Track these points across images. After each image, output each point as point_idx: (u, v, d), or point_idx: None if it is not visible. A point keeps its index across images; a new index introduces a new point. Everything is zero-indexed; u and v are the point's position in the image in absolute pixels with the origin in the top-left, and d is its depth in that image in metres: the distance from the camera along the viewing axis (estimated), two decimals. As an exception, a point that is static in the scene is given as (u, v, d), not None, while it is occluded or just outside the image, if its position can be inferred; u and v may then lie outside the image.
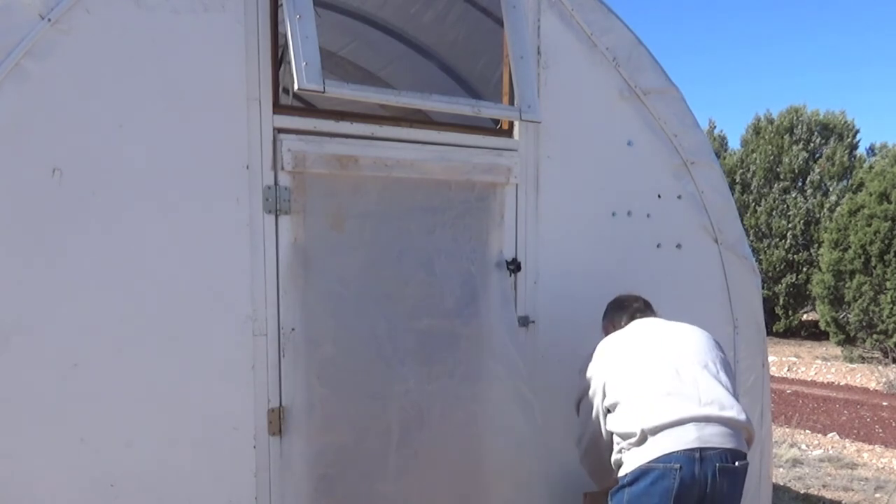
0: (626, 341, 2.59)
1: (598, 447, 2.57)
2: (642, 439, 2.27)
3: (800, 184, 15.86)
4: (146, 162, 2.27)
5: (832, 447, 7.09)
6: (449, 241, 2.85)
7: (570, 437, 2.74)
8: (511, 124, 3.00)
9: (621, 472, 2.34)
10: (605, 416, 2.49)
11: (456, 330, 2.87)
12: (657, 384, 2.35)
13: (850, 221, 12.46)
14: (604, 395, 2.48)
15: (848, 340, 12.66)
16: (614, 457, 2.43)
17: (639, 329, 2.64)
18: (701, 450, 2.21)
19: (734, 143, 18.23)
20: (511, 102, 2.95)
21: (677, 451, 2.21)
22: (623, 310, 2.77)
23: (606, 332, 2.75)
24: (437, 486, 2.83)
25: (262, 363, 2.47)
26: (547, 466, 3.00)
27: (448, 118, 2.91)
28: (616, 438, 2.41)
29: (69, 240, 2.16)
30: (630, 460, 2.31)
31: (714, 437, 2.24)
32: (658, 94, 3.27)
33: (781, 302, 15.17)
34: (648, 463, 2.23)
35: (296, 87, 2.36)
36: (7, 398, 2.09)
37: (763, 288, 5.47)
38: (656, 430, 2.25)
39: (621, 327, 2.71)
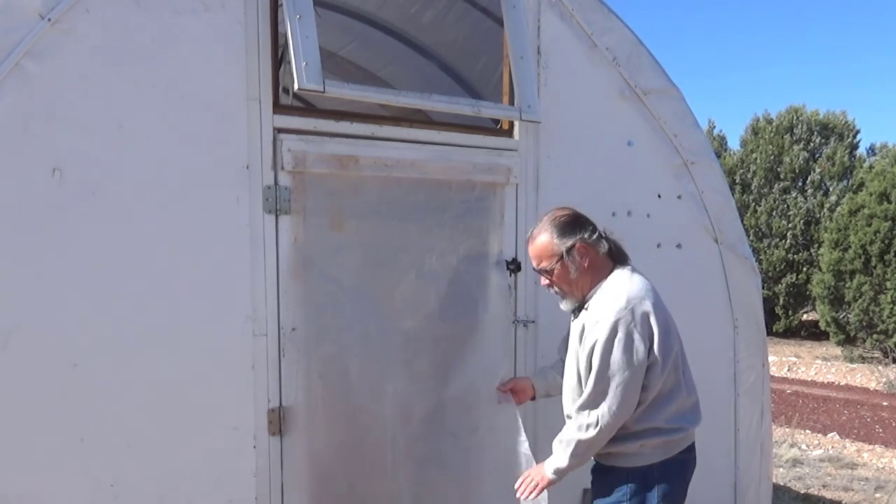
0: (660, 309, 2.29)
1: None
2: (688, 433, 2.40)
3: (800, 184, 15.86)
4: (146, 162, 2.26)
5: (832, 447, 7.09)
6: (448, 242, 2.85)
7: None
8: (511, 124, 3.00)
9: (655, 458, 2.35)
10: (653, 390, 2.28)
11: (455, 330, 2.87)
12: (688, 383, 2.43)
13: (851, 221, 12.46)
14: (664, 369, 2.26)
15: (848, 340, 12.66)
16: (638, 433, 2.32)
17: (657, 294, 2.34)
18: None
19: (733, 142, 18.22)
20: (511, 102, 2.95)
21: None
22: (602, 240, 2.40)
23: (586, 255, 2.34)
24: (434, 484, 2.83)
25: (262, 363, 2.47)
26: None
27: (448, 118, 2.91)
28: (651, 418, 2.31)
29: (69, 240, 2.16)
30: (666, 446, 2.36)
31: None
32: (658, 93, 3.27)
33: (781, 302, 15.17)
34: (682, 453, 2.38)
35: (296, 87, 2.36)
36: (7, 398, 2.09)
37: (763, 288, 5.47)
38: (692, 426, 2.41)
39: (607, 268, 2.37)
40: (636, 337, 2.21)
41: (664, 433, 2.31)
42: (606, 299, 2.29)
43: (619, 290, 2.29)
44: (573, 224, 2.36)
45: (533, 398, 2.78)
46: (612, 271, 2.37)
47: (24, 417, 2.12)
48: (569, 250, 2.33)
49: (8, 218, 2.07)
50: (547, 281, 2.42)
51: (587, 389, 2.26)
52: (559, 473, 2.37)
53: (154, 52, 2.26)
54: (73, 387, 2.18)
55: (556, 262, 2.35)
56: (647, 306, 2.25)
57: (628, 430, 2.30)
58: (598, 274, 2.36)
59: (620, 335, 2.20)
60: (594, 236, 2.36)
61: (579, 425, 2.28)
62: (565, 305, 2.44)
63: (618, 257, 2.41)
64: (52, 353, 2.15)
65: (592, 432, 2.25)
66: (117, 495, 2.26)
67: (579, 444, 2.28)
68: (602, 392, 2.23)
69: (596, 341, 2.23)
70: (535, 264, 2.42)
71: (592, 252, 2.35)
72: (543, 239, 2.37)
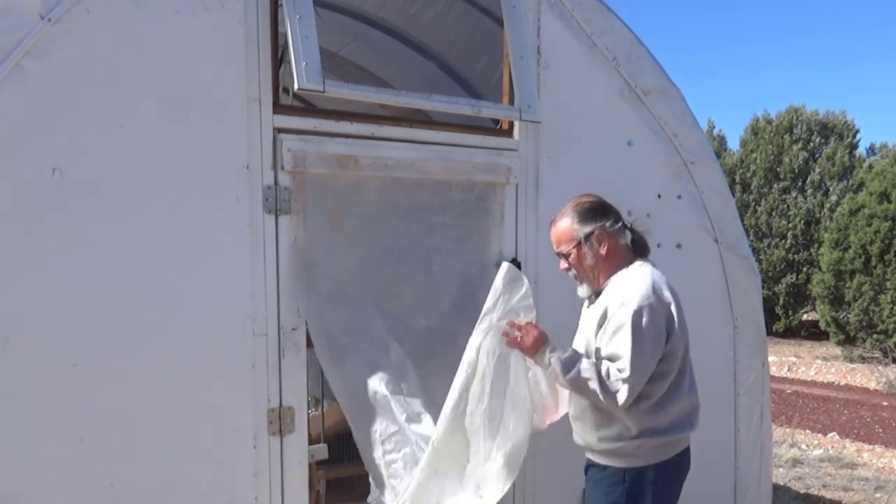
0: (677, 307, 2.29)
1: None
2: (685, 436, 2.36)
3: (800, 183, 15.87)
4: (146, 162, 2.27)
5: (832, 447, 7.09)
6: (448, 241, 2.85)
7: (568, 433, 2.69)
8: (511, 124, 3.00)
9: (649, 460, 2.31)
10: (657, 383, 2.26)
11: (455, 329, 2.86)
12: (692, 385, 2.39)
13: (851, 221, 12.46)
14: (674, 363, 2.26)
15: (848, 340, 12.66)
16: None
17: (675, 292, 2.32)
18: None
19: (733, 142, 18.22)
20: (511, 102, 2.95)
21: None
22: (626, 231, 2.40)
23: (606, 244, 2.34)
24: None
25: (262, 363, 2.47)
26: (547, 462, 3.01)
27: (448, 118, 2.91)
28: (654, 417, 2.27)
29: (69, 240, 2.16)
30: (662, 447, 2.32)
31: None
32: (658, 93, 3.27)
33: (781, 302, 15.17)
34: (678, 456, 2.34)
35: (296, 87, 2.36)
36: (7, 398, 2.09)
37: (763, 288, 5.47)
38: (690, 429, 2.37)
39: (627, 259, 2.36)
40: (660, 325, 2.21)
41: (664, 433, 2.29)
42: (630, 285, 2.27)
43: (643, 278, 2.29)
44: (595, 211, 2.36)
45: None
46: (631, 263, 2.36)
47: (23, 417, 2.12)
48: (587, 237, 2.33)
49: (8, 218, 2.07)
50: (566, 265, 2.42)
51: (620, 368, 2.18)
52: (540, 363, 2.31)
53: (154, 52, 2.26)
54: (73, 387, 2.18)
55: (574, 247, 2.36)
56: (669, 298, 2.27)
57: (630, 428, 2.27)
58: (616, 263, 2.36)
59: (647, 320, 2.18)
60: (616, 226, 2.36)
61: (601, 383, 2.19)
62: (582, 291, 2.44)
63: (640, 250, 2.40)
64: (52, 353, 2.15)
65: (603, 396, 2.18)
66: (117, 495, 2.26)
67: (585, 384, 2.20)
68: (635, 372, 2.17)
69: (622, 325, 2.20)
70: (554, 247, 2.44)
71: (612, 241, 2.34)
72: (564, 223, 2.38)
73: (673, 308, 2.27)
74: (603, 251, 2.34)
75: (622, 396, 2.18)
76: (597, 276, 2.37)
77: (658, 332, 2.21)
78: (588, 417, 2.36)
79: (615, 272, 2.35)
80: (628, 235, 2.39)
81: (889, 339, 11.84)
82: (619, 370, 2.19)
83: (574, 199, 2.42)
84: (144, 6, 2.24)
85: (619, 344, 2.20)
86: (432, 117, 3.03)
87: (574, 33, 3.08)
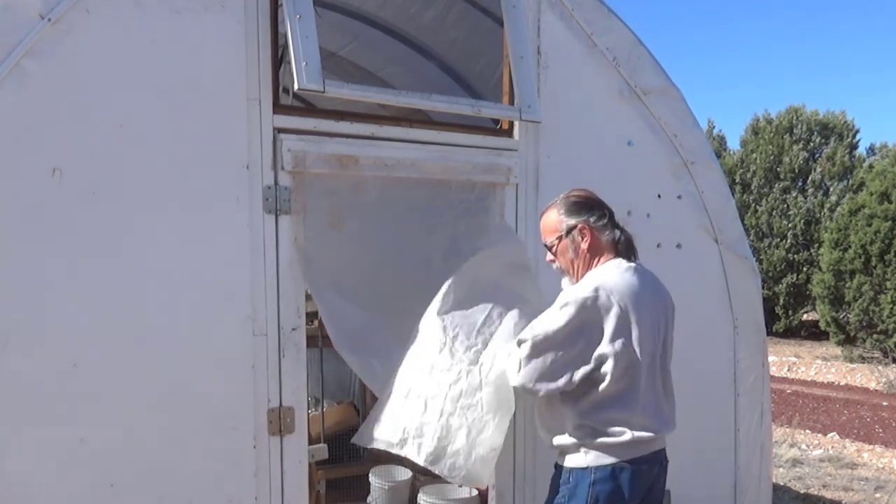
0: (636, 312, 2.21)
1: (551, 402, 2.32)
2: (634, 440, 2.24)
3: (800, 183, 15.87)
4: (146, 162, 2.26)
5: (832, 447, 7.09)
6: (448, 241, 2.85)
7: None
8: (511, 124, 3.00)
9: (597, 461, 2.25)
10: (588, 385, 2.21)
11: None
12: (647, 392, 2.27)
13: (851, 221, 12.47)
14: (615, 369, 2.18)
15: (848, 340, 12.67)
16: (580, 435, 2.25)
17: (644, 296, 2.26)
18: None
19: (733, 142, 18.23)
20: (511, 102, 2.95)
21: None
22: (614, 230, 2.38)
23: (581, 236, 2.35)
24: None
25: (262, 363, 2.47)
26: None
27: (448, 118, 2.91)
28: (591, 417, 2.22)
29: (69, 240, 2.16)
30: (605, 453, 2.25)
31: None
32: (658, 93, 3.27)
33: (781, 302, 15.18)
34: (633, 462, 2.24)
35: (296, 87, 2.36)
36: (7, 398, 2.09)
37: (763, 288, 5.47)
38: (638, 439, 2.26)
39: (607, 256, 2.35)
40: (582, 323, 2.18)
41: (602, 435, 2.21)
42: (581, 282, 2.30)
43: (594, 276, 2.29)
44: (582, 205, 2.38)
45: None
46: (610, 260, 2.35)
47: (23, 417, 2.12)
48: (569, 230, 2.36)
49: (8, 218, 2.07)
50: (551, 257, 2.44)
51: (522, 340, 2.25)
52: None
53: (154, 52, 2.26)
54: (73, 387, 2.18)
55: (556, 239, 2.39)
56: (613, 302, 2.20)
57: (569, 427, 2.25)
58: (595, 259, 2.36)
59: (571, 313, 2.18)
60: (601, 222, 2.36)
61: (510, 360, 2.28)
62: (564, 284, 2.44)
63: (624, 250, 2.38)
64: (52, 353, 2.15)
65: (508, 373, 2.29)
66: (117, 495, 2.26)
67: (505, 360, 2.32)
68: (534, 352, 2.20)
69: (551, 309, 2.26)
70: (542, 238, 2.47)
71: (594, 237, 2.35)
72: (551, 214, 2.42)
73: (611, 312, 2.19)
74: (584, 245, 2.35)
75: (518, 377, 2.22)
76: (577, 269, 2.39)
77: (573, 330, 2.18)
78: (538, 413, 2.36)
79: (593, 267, 2.35)
80: (616, 233, 2.38)
81: (889, 339, 11.84)
82: (519, 345, 2.23)
83: (566, 192, 2.44)
84: (144, 6, 2.24)
85: (534, 323, 2.25)
86: (432, 117, 3.02)
87: (574, 33, 3.08)
